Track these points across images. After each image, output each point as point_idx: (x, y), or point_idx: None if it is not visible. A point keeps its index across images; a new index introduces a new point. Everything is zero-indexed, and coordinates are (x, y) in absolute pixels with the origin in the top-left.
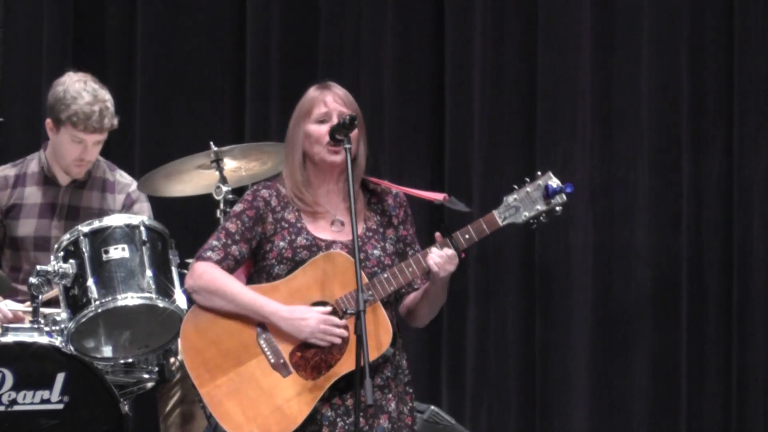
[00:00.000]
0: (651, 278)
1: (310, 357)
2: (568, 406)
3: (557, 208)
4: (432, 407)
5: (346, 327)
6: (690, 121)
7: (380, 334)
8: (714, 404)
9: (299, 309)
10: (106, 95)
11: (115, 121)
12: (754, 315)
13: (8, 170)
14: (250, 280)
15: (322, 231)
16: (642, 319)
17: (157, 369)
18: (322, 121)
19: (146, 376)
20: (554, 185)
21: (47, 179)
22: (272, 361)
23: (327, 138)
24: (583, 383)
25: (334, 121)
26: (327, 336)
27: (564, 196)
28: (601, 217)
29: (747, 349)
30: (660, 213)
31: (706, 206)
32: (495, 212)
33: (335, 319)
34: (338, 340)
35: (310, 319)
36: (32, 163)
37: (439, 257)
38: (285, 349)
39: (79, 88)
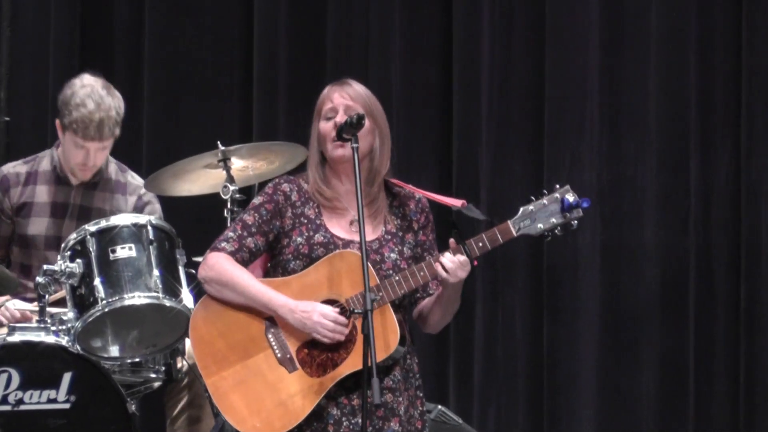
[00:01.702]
0: (659, 278)
1: (316, 354)
2: (576, 406)
3: (573, 222)
4: (439, 407)
5: (346, 325)
6: (698, 120)
7: (388, 336)
8: (722, 404)
9: (305, 303)
10: (112, 103)
11: (117, 131)
12: (762, 315)
13: (20, 167)
14: (267, 275)
15: (340, 230)
16: (650, 319)
17: (164, 368)
18: (329, 118)
19: (153, 375)
20: (571, 199)
21: (59, 178)
22: (279, 355)
23: (333, 134)
24: (591, 383)
25: (340, 115)
26: (324, 330)
27: (580, 211)
28: (609, 217)
29: (755, 349)
30: (668, 212)
31: (715, 206)
32: (510, 222)
33: (335, 316)
34: (340, 336)
35: (312, 313)
36: (44, 161)
37: (451, 263)
38: (292, 345)
39: (84, 95)
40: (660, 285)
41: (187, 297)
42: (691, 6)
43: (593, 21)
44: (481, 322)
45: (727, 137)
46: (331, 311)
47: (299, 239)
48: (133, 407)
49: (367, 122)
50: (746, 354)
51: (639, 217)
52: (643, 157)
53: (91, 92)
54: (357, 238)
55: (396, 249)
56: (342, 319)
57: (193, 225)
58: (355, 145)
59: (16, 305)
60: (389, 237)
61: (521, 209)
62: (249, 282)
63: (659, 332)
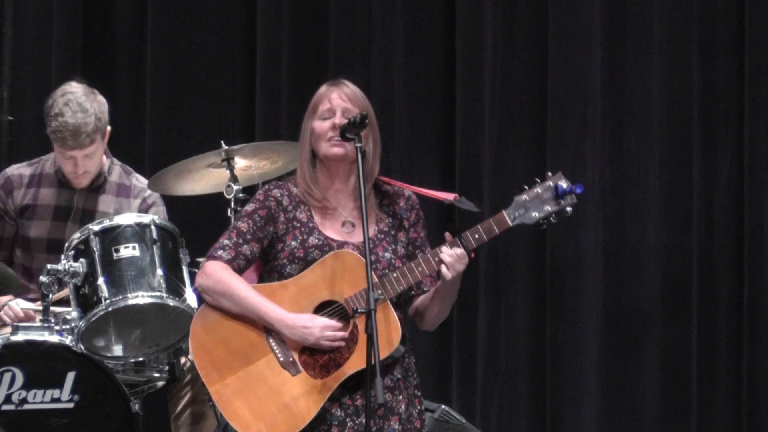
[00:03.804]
0: (661, 277)
1: (319, 356)
2: (578, 405)
3: (567, 209)
4: (443, 406)
5: (345, 329)
6: (700, 120)
7: (390, 333)
8: (724, 404)
9: (302, 317)
10: (91, 109)
11: (98, 136)
12: (764, 314)
13: (24, 169)
14: (261, 279)
15: (333, 232)
16: (652, 319)
17: (167, 368)
18: (326, 118)
19: (157, 374)
20: (564, 186)
21: (61, 182)
22: (281, 359)
23: (329, 133)
24: (594, 382)
25: (338, 117)
26: (327, 342)
27: (574, 197)
28: (612, 216)
29: (758, 348)
30: (670, 212)
31: (717, 205)
32: (505, 212)
33: (337, 324)
34: (341, 343)
35: (313, 328)
36: (48, 164)
37: (449, 256)
38: (294, 348)
39: (62, 104)
40: (662, 284)
41: (190, 296)
42: (693, 5)
43: (596, 20)
44: (484, 322)
45: (729, 137)
46: (332, 323)
47: (293, 243)
48: (137, 406)
49: None
50: (749, 353)
51: (641, 216)
52: (646, 156)
53: (68, 101)
54: (350, 239)
55: (390, 248)
56: (341, 326)
57: (196, 224)
58: (358, 145)
59: (19, 304)
60: (382, 236)
61: (515, 199)
62: (246, 293)
63: (661, 332)
